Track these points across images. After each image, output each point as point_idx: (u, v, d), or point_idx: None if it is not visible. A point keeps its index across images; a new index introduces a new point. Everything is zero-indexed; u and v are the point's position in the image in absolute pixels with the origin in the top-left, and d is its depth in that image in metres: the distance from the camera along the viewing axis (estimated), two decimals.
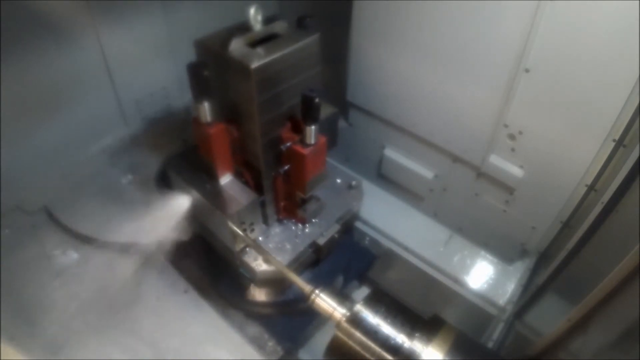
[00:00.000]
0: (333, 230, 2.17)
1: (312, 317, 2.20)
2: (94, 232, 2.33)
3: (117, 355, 1.98)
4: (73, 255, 2.31)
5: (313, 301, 1.61)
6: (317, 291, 1.62)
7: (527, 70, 1.91)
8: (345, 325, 1.52)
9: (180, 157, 2.15)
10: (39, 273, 2.21)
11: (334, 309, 1.57)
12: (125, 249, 2.34)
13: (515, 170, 2.22)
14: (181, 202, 2.10)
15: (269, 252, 2.02)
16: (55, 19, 2.10)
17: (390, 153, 2.76)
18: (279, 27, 1.80)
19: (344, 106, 2.85)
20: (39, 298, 2.12)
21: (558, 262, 2.17)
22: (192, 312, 2.23)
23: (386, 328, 1.49)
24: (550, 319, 1.97)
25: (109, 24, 2.28)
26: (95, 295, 2.18)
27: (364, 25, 2.38)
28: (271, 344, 2.15)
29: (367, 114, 2.72)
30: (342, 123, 2.94)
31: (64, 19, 2.14)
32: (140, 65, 2.50)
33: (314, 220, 2.20)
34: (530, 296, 2.35)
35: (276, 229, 2.18)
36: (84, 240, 2.34)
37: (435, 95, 2.30)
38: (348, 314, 1.54)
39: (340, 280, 2.43)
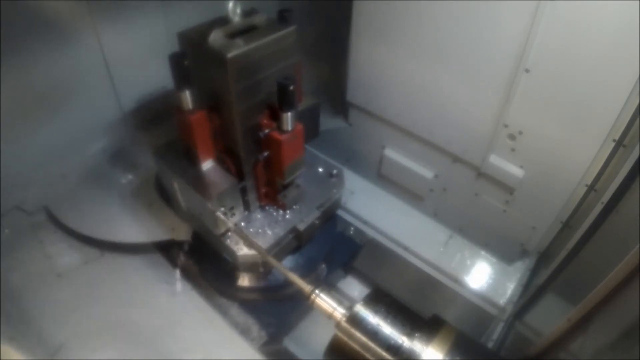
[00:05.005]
0: (313, 216, 2.23)
1: (297, 303, 2.23)
2: (94, 232, 2.34)
3: (116, 353, 1.98)
4: (73, 255, 2.31)
5: (313, 301, 1.61)
6: (317, 291, 1.62)
7: (527, 70, 1.91)
8: (345, 325, 1.52)
9: (166, 146, 2.21)
10: (39, 273, 2.21)
11: (334, 309, 1.57)
12: (124, 248, 2.35)
13: (515, 170, 2.22)
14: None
15: (249, 235, 2.07)
16: (55, 19, 2.10)
17: (390, 153, 2.76)
18: (258, 19, 1.88)
19: (344, 106, 2.85)
20: (39, 298, 2.12)
21: (558, 262, 2.17)
22: (180, 300, 2.25)
23: (386, 328, 1.49)
24: (550, 319, 1.97)
25: (109, 24, 2.28)
26: (94, 295, 2.19)
27: (364, 25, 2.38)
28: (255, 329, 2.19)
29: (367, 114, 2.72)
30: (342, 123, 2.95)
31: (64, 19, 2.14)
32: (140, 65, 2.50)
33: (294, 207, 2.24)
34: (530, 296, 2.35)
35: (257, 215, 2.22)
36: (84, 240, 2.34)
37: (435, 95, 2.30)
38: (348, 314, 1.54)
39: (323, 268, 2.45)
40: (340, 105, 2.91)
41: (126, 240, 2.34)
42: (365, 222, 2.82)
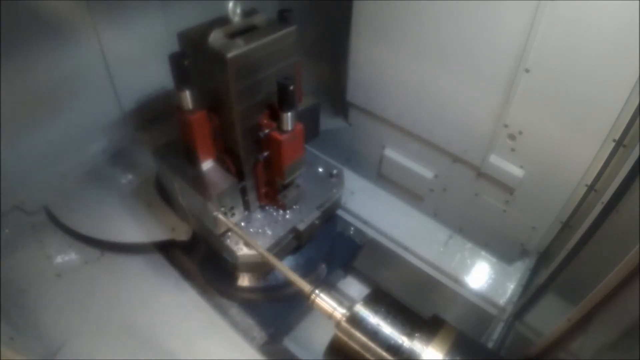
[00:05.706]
0: (313, 216, 2.23)
1: (297, 303, 2.24)
2: (94, 232, 2.34)
3: (116, 353, 1.98)
4: (73, 255, 2.31)
5: (313, 301, 1.61)
6: (317, 291, 1.62)
7: (527, 70, 1.91)
8: (345, 325, 1.52)
9: (166, 146, 2.22)
10: (39, 273, 2.21)
11: (334, 309, 1.57)
12: (124, 248, 2.34)
13: (515, 170, 2.22)
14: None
15: (249, 235, 2.07)
16: (55, 19, 2.10)
17: (390, 153, 2.76)
18: (258, 19, 1.88)
19: (344, 106, 2.85)
20: (39, 298, 2.12)
21: (558, 262, 2.17)
22: (180, 299, 2.26)
23: (386, 328, 1.49)
24: (550, 319, 1.97)
25: (109, 24, 2.27)
26: (94, 295, 2.19)
27: (364, 25, 2.38)
28: (255, 329, 2.19)
29: (367, 114, 2.72)
30: (342, 123, 2.95)
31: (64, 19, 2.14)
32: (140, 65, 2.50)
33: (294, 207, 2.25)
34: (530, 296, 2.35)
35: (257, 215, 2.23)
36: (84, 240, 2.34)
37: (435, 95, 2.30)
38: (348, 314, 1.54)
39: (323, 268, 2.45)
40: (340, 105, 2.91)
41: (126, 240, 2.34)
42: (365, 222, 2.82)
